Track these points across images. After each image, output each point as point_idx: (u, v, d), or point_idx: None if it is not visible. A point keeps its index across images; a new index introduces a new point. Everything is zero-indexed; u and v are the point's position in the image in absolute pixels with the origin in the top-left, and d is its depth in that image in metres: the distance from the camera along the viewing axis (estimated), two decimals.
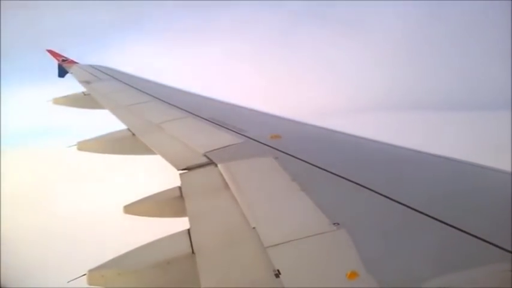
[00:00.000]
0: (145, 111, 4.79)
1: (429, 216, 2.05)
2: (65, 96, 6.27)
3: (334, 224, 2.10)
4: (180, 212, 2.72)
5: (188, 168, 3.19)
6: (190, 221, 2.48)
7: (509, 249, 1.71)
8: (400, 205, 2.19)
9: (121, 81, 6.51)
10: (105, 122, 4.98)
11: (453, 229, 1.92)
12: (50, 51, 8.68)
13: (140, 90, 5.79)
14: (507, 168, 2.53)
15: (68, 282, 2.24)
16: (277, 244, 2.02)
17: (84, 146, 4.34)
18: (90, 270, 2.22)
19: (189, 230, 2.38)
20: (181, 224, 2.48)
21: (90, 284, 2.19)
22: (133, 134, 4.21)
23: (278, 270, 1.83)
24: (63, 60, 8.30)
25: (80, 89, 6.34)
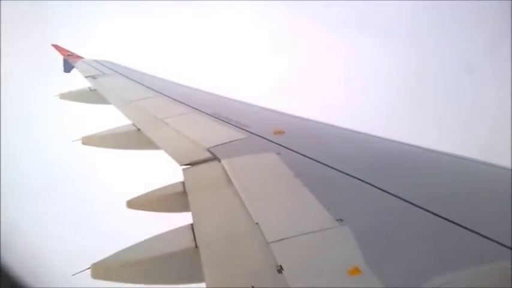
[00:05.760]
0: (150, 107, 4.80)
1: (432, 213, 2.04)
2: (71, 91, 6.29)
3: (337, 220, 2.10)
4: (183, 207, 2.73)
5: (191, 164, 3.20)
6: (194, 215, 2.49)
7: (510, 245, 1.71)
8: (403, 202, 2.19)
9: (126, 76, 6.53)
10: (110, 116, 5.00)
11: (456, 226, 1.91)
12: (55, 46, 8.70)
13: (145, 86, 5.80)
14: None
15: (72, 275, 2.26)
16: (280, 240, 2.02)
17: (89, 140, 4.36)
18: (94, 264, 2.24)
19: (192, 224, 2.39)
20: (184, 219, 2.49)
21: (94, 278, 2.21)
22: (138, 129, 4.23)
23: (281, 266, 1.84)
24: (69, 55, 8.31)
25: (85, 84, 6.37)
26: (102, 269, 2.24)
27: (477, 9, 10.75)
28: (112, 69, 7.03)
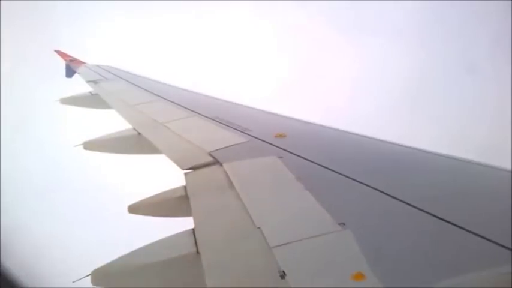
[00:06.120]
0: (151, 111, 4.80)
1: (436, 216, 2.02)
2: (72, 96, 6.31)
3: (339, 224, 2.07)
4: (184, 212, 2.71)
5: (193, 168, 3.19)
6: (195, 220, 2.47)
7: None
8: (406, 205, 2.17)
9: (127, 81, 6.55)
10: (111, 121, 5.00)
11: (460, 229, 1.89)
12: (58, 52, 8.76)
13: (146, 90, 5.82)
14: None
15: (73, 282, 2.24)
16: (283, 244, 2.00)
17: (90, 145, 4.36)
18: (95, 270, 2.23)
19: (193, 229, 2.37)
20: (186, 223, 2.48)
21: (94, 284, 2.19)
22: (139, 133, 4.22)
23: (283, 271, 1.81)
24: (71, 61, 8.36)
25: (87, 88, 6.39)
26: (103, 275, 2.22)
27: (478, 9, 10.73)
28: (114, 74, 7.06)
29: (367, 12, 13.29)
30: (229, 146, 3.44)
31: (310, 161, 2.91)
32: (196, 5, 13.49)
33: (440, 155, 2.95)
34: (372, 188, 2.40)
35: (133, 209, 3.00)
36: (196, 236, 2.29)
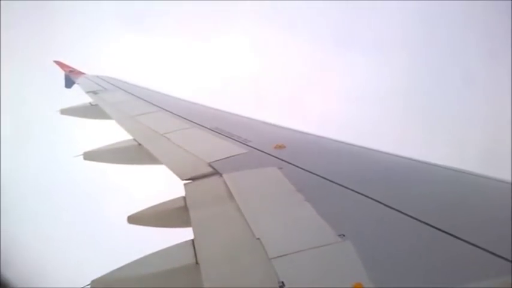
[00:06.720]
0: (151, 121, 4.83)
1: (436, 228, 2.03)
2: (72, 107, 6.33)
3: (339, 235, 2.08)
4: (184, 222, 2.71)
5: (193, 178, 3.20)
6: (195, 231, 2.47)
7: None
8: (405, 216, 2.18)
9: (127, 91, 6.59)
10: (111, 132, 5.02)
11: (460, 241, 1.90)
12: (57, 62, 8.81)
13: (146, 101, 5.85)
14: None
15: None
16: (282, 255, 2.00)
17: (90, 155, 4.36)
18: (94, 280, 2.22)
19: (193, 240, 2.37)
20: (185, 234, 2.48)
21: None
22: (139, 144, 4.24)
23: (282, 282, 1.81)
24: (70, 71, 8.41)
25: (87, 99, 6.42)
26: (102, 285, 2.22)
27: (474, 10, 10.79)
28: (113, 85, 7.10)
29: (356, 18, 13.42)
30: (229, 156, 3.46)
31: (310, 172, 2.92)
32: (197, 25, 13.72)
33: (440, 167, 2.96)
34: (372, 199, 2.40)
35: (133, 219, 3.00)
36: (196, 247, 2.29)
